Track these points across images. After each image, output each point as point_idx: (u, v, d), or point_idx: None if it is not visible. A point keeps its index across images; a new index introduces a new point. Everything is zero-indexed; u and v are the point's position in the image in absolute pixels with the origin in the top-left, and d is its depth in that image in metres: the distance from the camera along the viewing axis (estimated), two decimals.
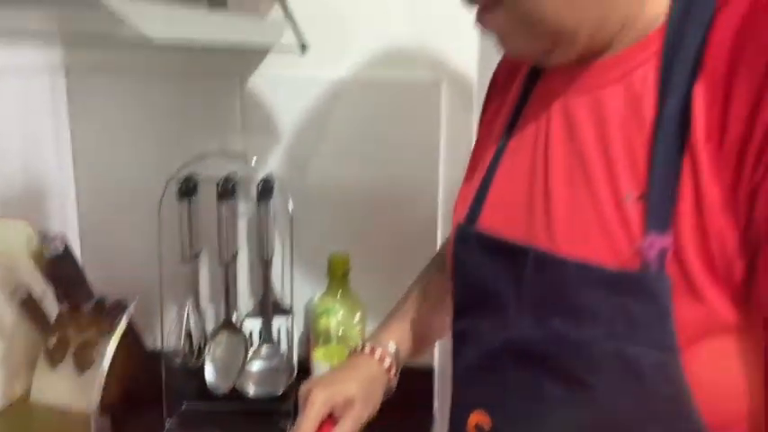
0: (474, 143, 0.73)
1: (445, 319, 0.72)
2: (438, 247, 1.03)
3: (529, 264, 0.55)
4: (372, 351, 0.74)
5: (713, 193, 0.45)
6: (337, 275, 1.04)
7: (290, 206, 1.02)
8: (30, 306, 0.93)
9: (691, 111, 0.46)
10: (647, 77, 0.51)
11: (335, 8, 1.03)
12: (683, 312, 0.46)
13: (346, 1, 1.03)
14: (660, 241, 0.46)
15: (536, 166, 0.58)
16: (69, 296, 0.97)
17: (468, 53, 1.02)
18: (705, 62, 0.47)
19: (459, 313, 0.66)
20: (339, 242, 1.07)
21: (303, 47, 0.78)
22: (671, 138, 0.47)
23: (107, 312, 0.96)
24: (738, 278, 0.45)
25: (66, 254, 0.96)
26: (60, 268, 0.96)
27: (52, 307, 0.98)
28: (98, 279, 1.06)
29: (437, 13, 1.01)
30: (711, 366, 0.48)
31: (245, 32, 0.77)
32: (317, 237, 1.09)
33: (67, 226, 1.12)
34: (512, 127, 0.64)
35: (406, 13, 1.02)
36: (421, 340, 0.79)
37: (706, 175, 0.45)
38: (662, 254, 0.46)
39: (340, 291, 1.04)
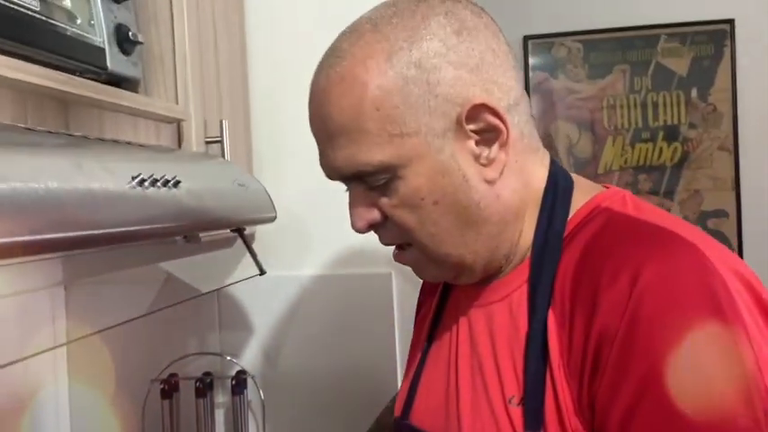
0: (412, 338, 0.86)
1: None
2: None
3: None
4: None
5: (567, 399, 0.57)
6: None
7: (262, 396, 1.12)
8: None
9: (547, 332, 0.59)
10: (521, 298, 0.64)
11: (298, 215, 1.20)
12: None
13: (306, 208, 1.20)
14: None
15: (449, 372, 0.70)
16: None
17: None
18: (554, 293, 0.60)
19: None
20: (308, 427, 1.16)
21: (262, 272, 0.95)
22: (537, 352, 0.60)
23: None
24: None
25: None
26: None
27: None
28: None
29: None
30: None
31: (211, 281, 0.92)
32: (287, 424, 1.18)
33: (59, 428, 1.21)
34: (432, 332, 0.77)
35: None
36: None
37: (560, 385, 0.57)
38: None
39: None
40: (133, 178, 0.56)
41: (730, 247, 2.39)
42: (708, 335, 0.52)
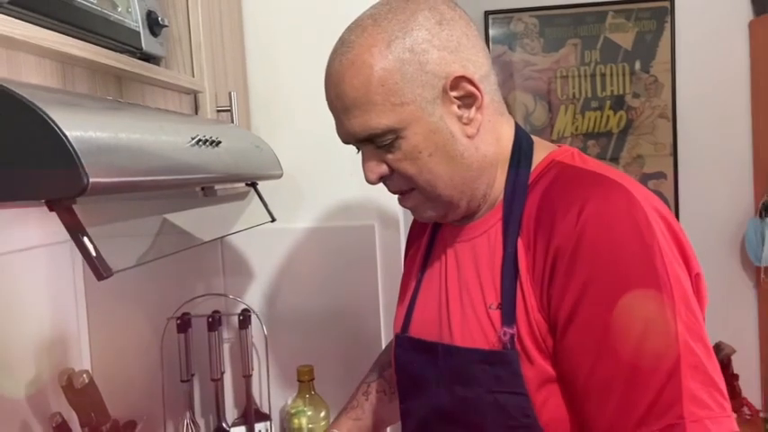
0: (402, 272, 1.05)
1: (383, 413, 1.01)
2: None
3: (440, 353, 0.85)
4: None
5: (532, 302, 0.76)
6: (305, 383, 1.31)
7: (265, 331, 1.31)
8: (63, 430, 1.17)
9: (517, 255, 0.79)
10: (497, 232, 0.83)
11: (291, 175, 1.37)
12: (526, 371, 0.76)
13: (298, 169, 1.38)
14: (510, 331, 0.77)
15: (440, 292, 0.89)
16: (91, 420, 1.22)
17: (393, 202, 1.37)
18: (522, 226, 0.79)
19: (402, 397, 0.95)
20: (305, 357, 1.36)
21: (273, 219, 1.13)
22: (510, 269, 0.79)
23: (122, 431, 1.20)
24: (551, 349, 0.75)
25: (91, 385, 1.22)
26: (86, 397, 1.21)
27: (76, 429, 1.22)
28: (112, 403, 1.31)
29: None
30: (549, 403, 0.77)
31: (226, 227, 1.09)
32: (286, 354, 1.38)
33: (83, 361, 1.38)
34: (425, 265, 0.96)
35: (347, 174, 1.37)
36: (364, 429, 1.07)
37: (527, 292, 0.76)
38: (512, 338, 0.77)
39: (308, 395, 1.31)
40: (192, 138, 0.73)
41: (668, 204, 2.64)
42: (631, 251, 0.71)
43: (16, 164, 0.49)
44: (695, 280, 0.76)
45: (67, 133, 0.49)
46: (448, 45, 0.78)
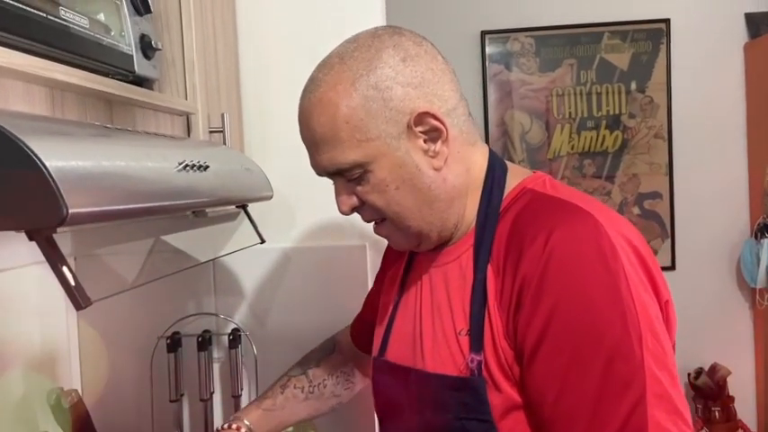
0: (381, 294, 1.05)
1: (297, 409, 1.08)
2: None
3: (412, 379, 0.86)
4: (231, 426, 1.04)
5: (499, 329, 0.77)
6: None
7: (255, 351, 1.31)
8: None
9: (487, 281, 0.80)
10: (468, 258, 0.84)
11: (283, 195, 1.38)
12: (493, 398, 0.77)
13: (290, 190, 1.39)
14: (477, 358, 0.78)
15: (415, 317, 0.90)
16: None
17: None
18: (492, 253, 0.80)
19: (380, 419, 0.96)
20: None
21: (262, 240, 1.14)
22: (479, 296, 0.80)
23: None
24: (517, 377, 0.76)
25: (80, 404, 1.22)
26: (74, 416, 1.21)
27: None
28: (100, 422, 1.31)
29: None
30: (515, 430, 0.77)
31: (216, 250, 1.10)
32: (276, 374, 1.37)
33: (72, 380, 1.38)
34: (402, 288, 0.97)
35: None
36: (272, 420, 1.08)
37: (495, 319, 0.77)
38: (479, 365, 0.77)
39: None
40: (179, 163, 0.74)
41: (663, 224, 2.65)
42: (596, 279, 0.72)
43: None
44: (665, 307, 0.76)
45: (47, 163, 0.50)
46: (412, 81, 0.79)
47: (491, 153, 0.88)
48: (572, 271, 0.72)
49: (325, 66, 0.82)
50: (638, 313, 0.71)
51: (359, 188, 0.82)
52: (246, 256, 1.39)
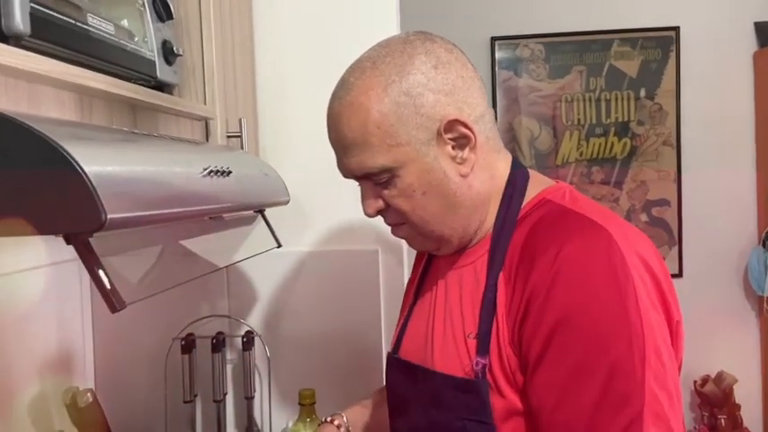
0: (403, 296, 1.07)
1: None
2: (383, 377, 1.33)
3: (420, 377, 0.87)
4: (332, 420, 1.04)
5: (505, 335, 0.78)
6: (306, 406, 1.32)
7: (268, 353, 1.32)
8: None
9: (497, 288, 0.80)
10: (483, 264, 0.85)
11: (297, 200, 1.39)
12: (495, 402, 0.78)
13: (304, 194, 1.40)
14: (482, 361, 0.79)
15: (429, 316, 0.92)
16: None
17: None
18: (506, 260, 0.81)
19: (390, 415, 0.98)
20: (307, 380, 1.36)
21: (279, 245, 1.15)
22: (489, 303, 0.81)
23: None
24: (520, 384, 0.77)
25: (95, 404, 1.23)
26: (89, 416, 1.22)
27: None
28: (114, 421, 1.32)
29: None
30: None
31: (235, 254, 1.11)
32: (288, 377, 1.39)
33: (87, 381, 1.39)
34: (420, 287, 0.99)
35: (351, 199, 1.39)
36: (368, 416, 1.09)
37: (502, 326, 0.78)
38: (483, 368, 0.79)
39: (308, 419, 1.32)
40: (204, 169, 0.75)
41: (671, 232, 2.66)
42: (604, 295, 0.72)
43: (36, 199, 0.51)
44: (675, 328, 0.77)
45: (86, 169, 0.51)
46: (443, 88, 0.80)
47: (514, 160, 0.89)
48: (580, 285, 0.73)
49: (356, 69, 0.82)
50: (644, 331, 0.71)
51: (385, 192, 0.83)
52: (259, 260, 1.40)
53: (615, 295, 0.72)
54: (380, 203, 0.85)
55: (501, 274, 0.81)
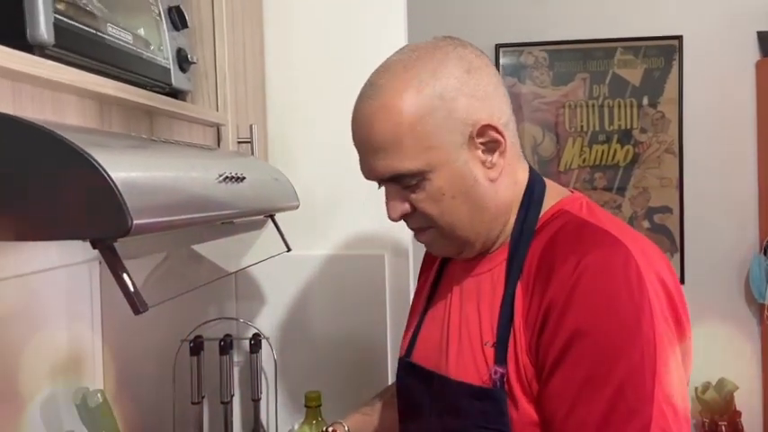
0: (411, 300, 1.08)
1: (393, 415, 1.05)
2: (388, 381, 1.35)
3: (435, 383, 0.88)
4: (334, 430, 1.04)
5: (522, 344, 0.79)
6: (312, 408, 1.33)
7: (275, 356, 1.34)
8: None
9: (515, 297, 0.81)
10: (501, 272, 0.86)
11: (305, 204, 1.41)
12: (511, 412, 0.79)
13: (312, 199, 1.42)
14: (501, 370, 0.80)
15: (443, 322, 0.92)
16: None
17: (403, 233, 1.41)
18: (523, 269, 0.82)
19: (400, 419, 0.98)
20: (313, 382, 1.38)
21: (288, 249, 1.17)
22: (507, 311, 0.82)
23: None
24: (535, 393, 0.78)
25: (105, 404, 1.25)
26: (100, 416, 1.24)
27: None
28: (122, 422, 1.34)
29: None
30: None
31: (246, 258, 1.13)
32: (295, 379, 1.40)
33: (96, 381, 1.41)
34: (433, 292, 0.99)
35: (359, 203, 1.41)
36: (369, 424, 1.09)
37: (519, 335, 0.79)
38: (501, 377, 0.80)
39: (314, 421, 1.33)
40: (219, 175, 0.77)
41: (672, 238, 2.67)
42: (619, 309, 0.73)
43: (64, 206, 0.53)
44: (687, 343, 0.78)
45: (113, 176, 0.53)
46: (476, 93, 0.81)
47: (531, 169, 0.90)
48: (597, 298, 0.74)
49: (387, 72, 0.82)
50: (656, 346, 0.72)
51: (413, 195, 0.83)
52: (267, 263, 1.42)
53: (630, 310, 0.73)
54: (406, 207, 0.84)
55: (519, 283, 0.81)
